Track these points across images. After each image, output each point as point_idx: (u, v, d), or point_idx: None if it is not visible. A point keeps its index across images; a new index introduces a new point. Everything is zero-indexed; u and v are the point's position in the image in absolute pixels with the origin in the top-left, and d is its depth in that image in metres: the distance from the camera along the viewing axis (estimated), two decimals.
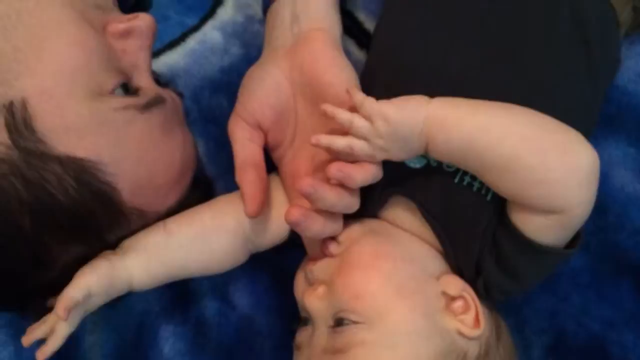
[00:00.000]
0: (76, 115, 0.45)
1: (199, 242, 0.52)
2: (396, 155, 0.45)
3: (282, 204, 0.53)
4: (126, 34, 0.50)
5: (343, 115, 0.45)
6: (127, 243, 0.51)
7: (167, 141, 0.51)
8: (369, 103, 0.44)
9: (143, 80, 0.51)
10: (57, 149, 0.44)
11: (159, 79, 0.55)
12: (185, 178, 0.53)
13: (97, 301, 0.48)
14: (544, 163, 0.41)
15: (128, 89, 0.50)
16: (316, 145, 0.45)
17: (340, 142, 0.45)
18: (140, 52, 0.51)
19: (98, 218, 0.47)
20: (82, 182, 0.45)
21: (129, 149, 0.48)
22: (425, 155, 0.46)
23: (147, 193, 0.49)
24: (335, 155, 0.46)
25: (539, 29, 0.49)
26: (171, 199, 0.52)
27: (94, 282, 0.47)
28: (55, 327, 0.46)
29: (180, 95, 0.56)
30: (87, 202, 0.46)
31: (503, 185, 0.44)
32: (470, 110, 0.43)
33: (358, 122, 0.44)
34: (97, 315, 0.61)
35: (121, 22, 0.50)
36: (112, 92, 0.48)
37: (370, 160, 0.45)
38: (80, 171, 0.45)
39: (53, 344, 0.46)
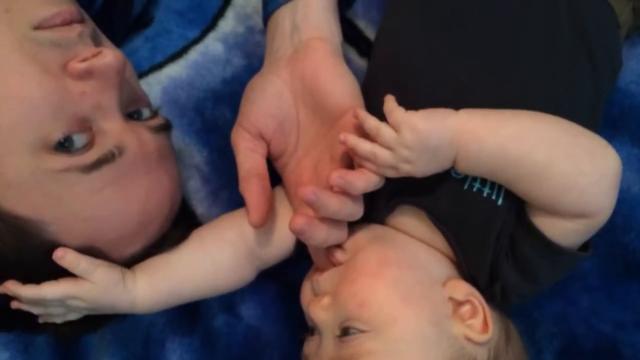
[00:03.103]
0: (15, 172, 0.43)
1: (200, 254, 0.53)
2: (420, 168, 0.44)
3: (286, 217, 0.52)
4: (86, 74, 0.45)
5: (371, 122, 0.45)
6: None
7: (121, 197, 0.47)
8: (399, 112, 0.44)
9: (107, 123, 0.47)
10: None
11: (142, 105, 0.52)
12: (150, 228, 0.50)
13: (95, 303, 0.48)
14: (577, 169, 0.42)
15: (72, 144, 0.45)
16: (343, 143, 0.45)
17: (365, 147, 0.44)
18: (104, 92, 0.46)
19: (43, 272, 0.46)
20: (22, 240, 0.45)
21: (73, 209, 0.45)
22: None
23: (98, 248, 0.48)
24: (358, 159, 0.45)
25: (540, 35, 0.49)
26: (132, 249, 0.50)
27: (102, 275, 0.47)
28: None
29: (167, 127, 0.53)
30: (29, 259, 0.46)
31: (536, 193, 0.43)
32: (500, 119, 0.43)
33: (385, 130, 0.44)
34: (104, 329, 0.61)
35: (83, 61, 0.45)
36: (60, 143, 0.44)
37: (392, 172, 0.45)
38: (21, 229, 0.44)
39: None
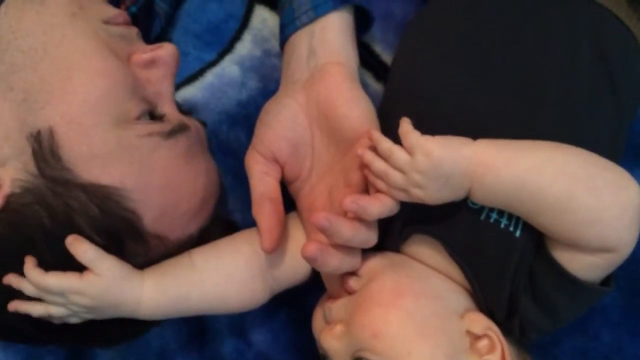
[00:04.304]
0: (102, 143, 0.46)
1: (213, 262, 0.51)
2: (432, 195, 0.43)
3: (302, 242, 0.51)
4: (150, 63, 0.51)
5: (385, 144, 0.44)
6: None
7: (191, 168, 0.51)
8: (414, 135, 0.43)
9: (167, 108, 0.52)
10: (82, 177, 0.45)
11: (182, 108, 0.56)
12: (208, 206, 0.53)
13: (101, 299, 0.47)
14: (599, 202, 0.40)
15: (153, 116, 0.51)
16: (360, 156, 0.45)
17: (379, 165, 0.44)
18: (164, 81, 0.52)
19: (119, 246, 0.47)
20: (105, 209, 0.46)
21: (153, 176, 0.48)
22: None
23: (169, 219, 0.50)
24: (371, 177, 0.45)
25: (561, 64, 0.48)
26: (193, 227, 0.52)
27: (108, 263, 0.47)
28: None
29: (203, 124, 0.57)
30: (109, 230, 0.46)
31: (556, 227, 0.42)
32: (518, 150, 0.42)
33: (398, 153, 0.43)
34: (115, 352, 0.61)
35: (145, 52, 0.51)
36: (138, 118, 0.48)
37: (402, 196, 0.44)
38: (104, 198, 0.46)
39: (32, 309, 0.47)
